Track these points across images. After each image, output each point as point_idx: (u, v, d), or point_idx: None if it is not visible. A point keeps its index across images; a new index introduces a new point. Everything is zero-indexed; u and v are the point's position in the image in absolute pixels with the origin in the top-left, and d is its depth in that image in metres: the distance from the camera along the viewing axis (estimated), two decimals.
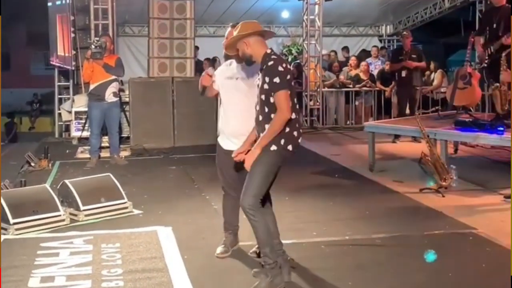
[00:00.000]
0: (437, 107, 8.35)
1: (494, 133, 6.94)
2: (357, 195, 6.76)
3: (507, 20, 6.93)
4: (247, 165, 4.11)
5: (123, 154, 9.17)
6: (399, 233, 5.40)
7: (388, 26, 16.98)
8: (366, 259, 4.72)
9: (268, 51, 4.17)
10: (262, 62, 4.15)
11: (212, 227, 5.64)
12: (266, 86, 4.07)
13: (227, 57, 4.79)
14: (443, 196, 6.73)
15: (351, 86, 12.85)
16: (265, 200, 4.32)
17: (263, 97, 4.12)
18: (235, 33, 4.25)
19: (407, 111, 10.62)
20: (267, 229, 4.19)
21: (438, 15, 14.97)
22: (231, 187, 4.83)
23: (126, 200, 6.12)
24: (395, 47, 15.62)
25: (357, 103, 12.80)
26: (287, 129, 4.08)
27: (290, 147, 4.12)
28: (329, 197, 6.67)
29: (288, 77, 4.09)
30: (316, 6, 12.74)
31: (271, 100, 4.07)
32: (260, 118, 4.17)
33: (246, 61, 4.30)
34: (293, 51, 15.92)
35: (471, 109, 9.22)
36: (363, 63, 13.08)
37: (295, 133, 4.13)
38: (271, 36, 4.56)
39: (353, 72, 13.09)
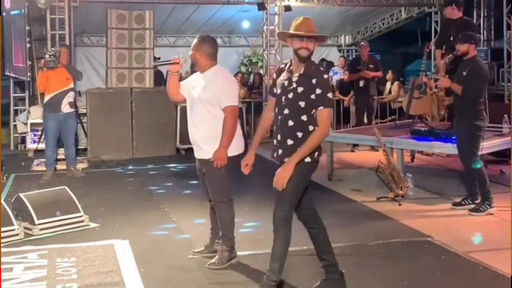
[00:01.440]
0: (393, 117, 8.47)
1: (449, 142, 7.07)
2: (316, 205, 6.75)
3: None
4: (280, 184, 4.01)
5: (80, 166, 9.03)
6: (357, 242, 5.44)
7: (347, 36, 17.20)
8: (322, 270, 4.73)
9: (313, 58, 4.16)
10: (307, 68, 4.03)
11: (170, 239, 5.62)
12: (313, 97, 3.98)
13: (192, 68, 4.93)
14: (400, 205, 6.82)
15: None
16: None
17: (302, 104, 4.01)
18: (310, 24, 4.11)
19: (365, 120, 10.75)
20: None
21: (395, 26, 15.26)
22: (205, 192, 5.05)
23: (82, 213, 6.03)
24: (353, 56, 15.81)
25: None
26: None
27: (319, 158, 4.15)
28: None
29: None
30: (276, 17, 12.79)
31: (313, 111, 4.01)
32: (291, 123, 4.05)
33: (306, 59, 4.05)
34: (254, 61, 15.99)
35: (427, 118, 9.36)
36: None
37: (322, 144, 4.17)
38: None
39: (274, 75, 13.15)
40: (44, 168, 8.65)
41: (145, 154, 10.03)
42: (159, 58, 11.94)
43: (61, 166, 8.86)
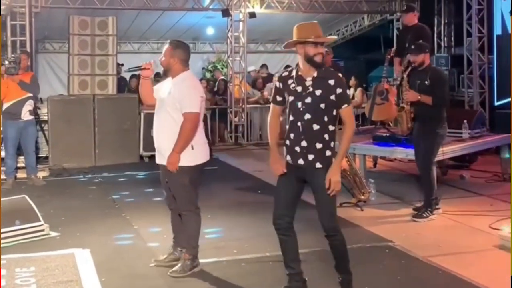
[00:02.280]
0: (356, 123, 8.52)
1: (410, 147, 7.17)
2: None
3: (416, 39, 7.21)
4: (336, 186, 4.07)
5: (41, 174, 8.90)
6: (320, 248, 5.42)
7: None
8: (285, 275, 4.74)
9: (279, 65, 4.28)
10: (320, 70, 4.08)
11: (131, 248, 5.58)
12: (333, 98, 4.03)
13: (166, 74, 4.91)
14: (362, 210, 6.88)
15: None
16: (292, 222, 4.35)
17: (323, 106, 4.04)
18: (315, 28, 4.12)
19: None
20: (346, 247, 4.29)
21: (359, 33, 15.46)
22: (168, 200, 5.00)
23: (42, 222, 5.93)
24: None
25: (281, 119, 12.86)
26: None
27: None
28: (251, 214, 6.68)
29: None
30: (241, 23, 12.84)
31: (334, 112, 4.07)
32: (316, 127, 4.06)
33: (311, 63, 4.06)
34: (218, 67, 15.99)
35: (390, 123, 9.47)
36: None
37: None
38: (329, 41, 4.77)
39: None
40: (3, 177, 8.48)
41: (107, 161, 9.92)
42: (122, 65, 11.90)
43: (21, 174, 8.72)
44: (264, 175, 9.01)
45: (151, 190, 8.03)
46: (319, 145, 4.07)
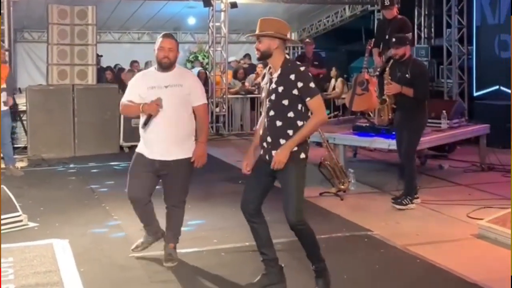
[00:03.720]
0: (337, 113, 8.57)
1: (390, 137, 7.21)
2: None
3: (397, 31, 7.23)
4: (280, 164, 4.02)
5: (20, 164, 8.82)
6: (290, 239, 5.47)
7: (293, 34, 17.28)
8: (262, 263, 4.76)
9: (288, 56, 4.18)
10: (284, 67, 4.08)
11: (111, 238, 5.57)
12: (296, 92, 4.01)
13: (167, 68, 4.62)
14: (342, 200, 6.92)
15: (256, 92, 12.98)
16: (258, 212, 4.34)
17: (285, 102, 4.04)
18: (264, 21, 4.12)
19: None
20: (315, 236, 4.26)
21: (340, 23, 15.47)
22: (138, 191, 4.83)
23: (20, 213, 5.88)
24: (299, 53, 15.92)
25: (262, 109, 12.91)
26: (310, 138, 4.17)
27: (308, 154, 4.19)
28: (233, 204, 6.63)
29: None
30: (222, 13, 12.79)
31: (299, 106, 4.04)
32: (279, 123, 4.07)
33: (263, 57, 4.12)
34: (200, 58, 15.93)
35: (370, 114, 9.52)
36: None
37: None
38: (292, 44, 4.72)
39: (259, 80, 13.23)
40: None
41: (87, 152, 9.85)
42: (101, 56, 11.81)
43: None
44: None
45: None
46: (282, 141, 4.08)
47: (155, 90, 4.58)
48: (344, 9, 15.09)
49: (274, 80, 4.12)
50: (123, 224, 5.95)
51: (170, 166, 4.65)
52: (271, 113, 4.11)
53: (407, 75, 6.46)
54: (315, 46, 11.38)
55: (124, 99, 4.76)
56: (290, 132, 4.06)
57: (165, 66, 4.59)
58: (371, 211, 6.54)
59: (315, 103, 4.04)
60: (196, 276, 4.60)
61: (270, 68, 4.20)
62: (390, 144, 7.18)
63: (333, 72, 13.29)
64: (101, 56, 12.63)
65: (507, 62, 10.79)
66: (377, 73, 8.05)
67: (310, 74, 4.12)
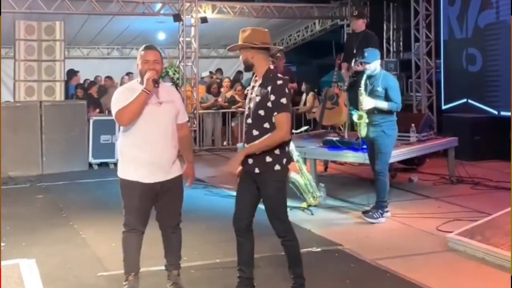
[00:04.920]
0: (307, 127, 8.59)
1: (360, 151, 7.25)
2: (230, 217, 6.73)
3: (364, 45, 7.29)
4: (232, 169, 4.16)
5: None
6: (270, 253, 5.43)
7: None
8: (235, 282, 4.68)
9: (272, 66, 4.19)
10: (265, 77, 4.11)
11: (79, 257, 5.47)
12: (269, 104, 4.03)
13: (157, 82, 4.27)
14: (312, 214, 6.92)
15: (227, 107, 12.97)
16: (249, 227, 4.34)
17: (261, 112, 4.08)
18: (241, 34, 4.18)
19: None
20: (299, 251, 4.30)
21: (310, 38, 15.59)
22: (143, 223, 4.44)
23: None
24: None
25: (233, 124, 12.90)
26: (287, 149, 4.16)
27: (289, 166, 4.20)
28: (202, 220, 6.64)
29: (290, 99, 4.12)
30: (192, 28, 12.76)
31: (273, 119, 4.05)
32: (256, 133, 4.12)
33: (246, 68, 4.25)
34: (170, 73, 15.86)
35: (341, 127, 9.56)
36: (238, 86, 13.26)
37: (287, 151, 4.21)
38: (276, 51, 4.67)
39: (228, 94, 13.23)
40: None
41: (55, 169, 9.70)
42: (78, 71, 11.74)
43: None
44: (216, 180, 8.98)
45: (99, 198, 7.91)
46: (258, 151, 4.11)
47: (150, 106, 4.22)
48: (314, 23, 15.22)
49: (255, 89, 4.17)
50: (91, 243, 5.87)
51: (170, 185, 4.36)
52: (249, 120, 4.18)
53: (378, 88, 6.51)
54: (285, 60, 11.41)
55: (120, 107, 4.22)
56: None
57: (154, 82, 4.20)
58: (341, 225, 6.56)
59: (280, 119, 4.05)
60: None
61: (256, 76, 4.24)
62: (361, 157, 7.21)
63: (303, 86, 13.37)
64: (78, 71, 12.65)
65: (474, 75, 10.97)
66: (345, 87, 8.11)
67: (287, 89, 4.11)
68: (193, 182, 4.64)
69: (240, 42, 4.19)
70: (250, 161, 4.15)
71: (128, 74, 14.12)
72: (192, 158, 4.64)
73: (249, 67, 4.22)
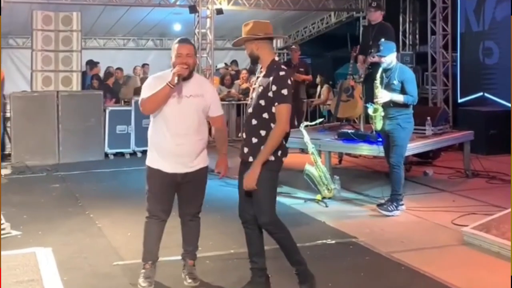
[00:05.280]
0: (322, 119, 8.58)
1: (375, 144, 7.23)
2: None
3: (380, 37, 7.25)
4: (250, 186, 4.05)
5: (4, 172, 8.73)
6: None
7: (278, 40, 17.34)
8: (249, 273, 4.73)
9: (276, 58, 4.20)
10: (269, 68, 4.13)
11: (95, 246, 5.52)
12: (271, 94, 4.04)
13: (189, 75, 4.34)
14: (327, 206, 6.92)
15: (242, 99, 12.97)
16: (255, 218, 4.26)
17: (262, 102, 4.08)
18: (244, 28, 4.18)
19: (295, 123, 10.84)
20: (291, 239, 4.24)
21: (325, 30, 15.53)
22: (166, 212, 4.52)
23: (3, 221, 5.83)
24: (285, 60, 15.96)
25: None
26: (283, 141, 4.14)
27: (284, 158, 4.18)
28: (217, 211, 6.65)
29: (292, 91, 4.11)
30: (208, 20, 12.76)
31: (273, 109, 4.05)
32: (254, 122, 4.12)
33: (252, 61, 4.27)
34: None
35: (355, 120, 9.55)
36: (252, 78, 13.24)
37: (286, 144, 4.20)
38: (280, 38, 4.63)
39: (244, 85, 13.23)
40: None
41: (71, 159, 9.80)
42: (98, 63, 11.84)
43: None
44: (231, 172, 8.97)
45: (115, 188, 7.97)
46: (254, 140, 4.12)
47: (177, 99, 4.28)
48: (330, 15, 15.15)
49: (259, 79, 4.19)
50: (107, 232, 5.91)
51: (192, 177, 4.41)
52: (250, 110, 4.20)
53: (394, 82, 6.49)
54: (300, 52, 11.39)
55: (146, 95, 4.28)
56: (263, 132, 4.08)
57: (185, 76, 4.26)
58: (356, 218, 6.55)
59: (280, 110, 4.04)
60: (181, 284, 4.56)
61: (261, 67, 4.25)
62: (375, 150, 7.20)
63: (318, 79, 13.34)
64: (98, 62, 12.76)
65: (491, 68, 10.89)
66: (361, 79, 8.08)
67: (290, 81, 4.09)
68: (225, 174, 4.62)
69: (243, 36, 4.20)
70: (246, 150, 4.17)
71: (144, 65, 14.17)
72: (225, 150, 4.63)
73: (255, 59, 4.22)
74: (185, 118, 4.30)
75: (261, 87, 4.12)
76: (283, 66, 4.18)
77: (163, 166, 4.36)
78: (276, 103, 4.04)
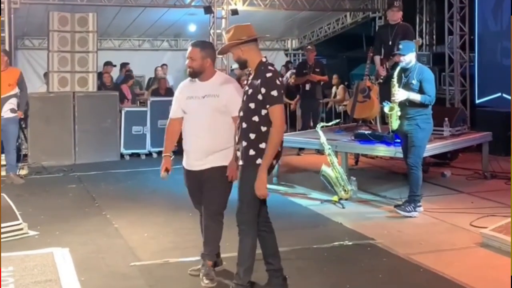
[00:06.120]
0: (338, 120, 8.53)
1: (392, 145, 7.19)
2: None
3: (401, 37, 7.19)
4: (260, 194, 4.03)
5: (21, 172, 8.78)
6: (301, 246, 5.45)
7: (293, 41, 17.34)
8: (266, 274, 4.71)
9: (264, 59, 4.15)
10: (257, 70, 4.10)
11: (112, 247, 5.52)
12: (260, 97, 4.01)
13: (195, 76, 4.55)
14: (344, 208, 6.88)
15: None
16: (265, 220, 4.30)
17: (252, 105, 4.06)
18: (226, 35, 4.24)
19: (311, 123, 10.82)
20: (251, 249, 4.18)
21: (341, 30, 15.48)
22: (198, 206, 4.75)
23: (21, 221, 5.85)
24: (300, 60, 15.93)
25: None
26: None
27: (274, 161, 4.13)
28: (233, 212, 6.62)
29: (282, 91, 4.08)
30: (223, 20, 12.76)
31: (263, 112, 4.03)
32: (244, 125, 4.11)
33: (240, 66, 4.28)
34: None
35: (372, 121, 9.49)
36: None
37: (278, 147, 4.13)
38: (263, 39, 4.62)
39: None
40: None
41: (87, 160, 9.83)
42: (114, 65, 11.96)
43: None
44: None
45: (131, 189, 7.98)
46: (244, 143, 4.11)
47: (192, 100, 4.51)
48: (345, 16, 15.10)
49: (248, 82, 4.17)
50: (123, 233, 5.92)
51: (207, 175, 4.51)
52: (241, 114, 4.18)
53: (413, 81, 6.44)
54: (316, 53, 11.36)
55: (170, 114, 4.72)
56: (252, 136, 4.06)
57: (190, 75, 4.55)
58: (373, 219, 6.50)
59: (273, 111, 4.01)
60: (198, 285, 4.55)
61: (249, 71, 4.24)
62: (392, 151, 7.15)
63: (335, 79, 13.29)
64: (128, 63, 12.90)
65: (509, 69, 10.77)
66: (380, 80, 8.01)
67: (278, 81, 4.05)
68: (233, 178, 4.50)
69: (226, 43, 4.19)
70: (238, 153, 4.20)
71: (162, 65, 14.24)
72: (265, 161, 4.42)
73: (243, 63, 4.20)
74: (197, 118, 4.48)
75: (251, 90, 4.09)
76: (270, 67, 4.10)
77: (185, 163, 4.66)
78: (267, 105, 4.01)
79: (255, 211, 4.15)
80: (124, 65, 13.41)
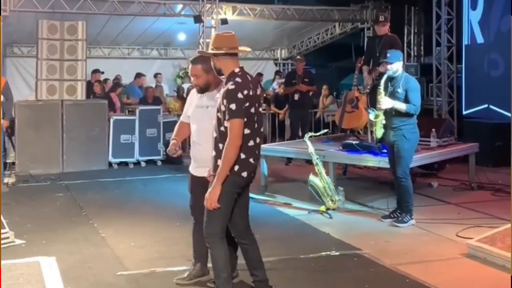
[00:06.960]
0: (326, 130, 8.56)
1: (379, 155, 7.22)
2: (252, 220, 6.72)
3: (388, 48, 7.24)
4: (209, 206, 4.01)
5: (8, 180, 8.74)
6: (288, 256, 5.45)
7: (283, 50, 17.40)
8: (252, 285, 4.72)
9: (236, 70, 4.10)
10: (227, 80, 4.10)
11: (98, 256, 5.49)
12: (223, 108, 4.01)
13: (204, 91, 4.57)
14: (331, 218, 6.90)
15: None
16: (246, 232, 4.28)
17: (219, 114, 4.07)
18: (210, 42, 4.24)
19: (300, 133, 10.85)
20: (223, 261, 4.14)
21: (330, 41, 15.57)
22: (197, 213, 4.68)
23: (7, 229, 5.82)
24: (289, 70, 15.99)
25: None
26: (243, 156, 4.02)
27: (244, 174, 4.06)
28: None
29: (247, 104, 3.98)
30: (213, 29, 12.79)
31: (226, 123, 4.01)
32: (215, 134, 4.13)
33: (217, 73, 4.27)
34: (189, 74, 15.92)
35: (360, 131, 9.54)
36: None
37: (251, 159, 4.08)
38: (244, 52, 4.57)
39: None
40: None
41: (75, 168, 9.80)
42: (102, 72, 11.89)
43: None
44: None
45: (119, 198, 7.96)
46: (213, 153, 4.13)
47: (198, 109, 4.61)
48: (334, 26, 15.19)
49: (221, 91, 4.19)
50: (111, 242, 5.89)
51: (203, 184, 4.47)
52: (213, 122, 4.17)
53: (399, 90, 6.47)
54: (305, 63, 11.41)
55: (181, 117, 4.89)
56: (220, 146, 4.04)
57: (199, 92, 4.59)
58: (360, 229, 6.52)
59: (230, 125, 3.97)
60: None
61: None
62: (380, 161, 7.19)
63: (325, 90, 13.35)
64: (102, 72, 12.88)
65: (496, 80, 10.88)
66: (367, 90, 8.07)
67: (241, 94, 3.97)
68: (209, 202, 4.45)
69: (210, 48, 4.20)
70: (208, 163, 4.21)
71: (157, 74, 14.28)
72: (220, 176, 4.48)
73: (218, 72, 4.22)
74: (202, 127, 4.54)
75: (219, 100, 4.08)
76: (237, 79, 4.03)
77: (191, 169, 4.76)
78: (226, 118, 3.98)
79: (221, 223, 4.09)
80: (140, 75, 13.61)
